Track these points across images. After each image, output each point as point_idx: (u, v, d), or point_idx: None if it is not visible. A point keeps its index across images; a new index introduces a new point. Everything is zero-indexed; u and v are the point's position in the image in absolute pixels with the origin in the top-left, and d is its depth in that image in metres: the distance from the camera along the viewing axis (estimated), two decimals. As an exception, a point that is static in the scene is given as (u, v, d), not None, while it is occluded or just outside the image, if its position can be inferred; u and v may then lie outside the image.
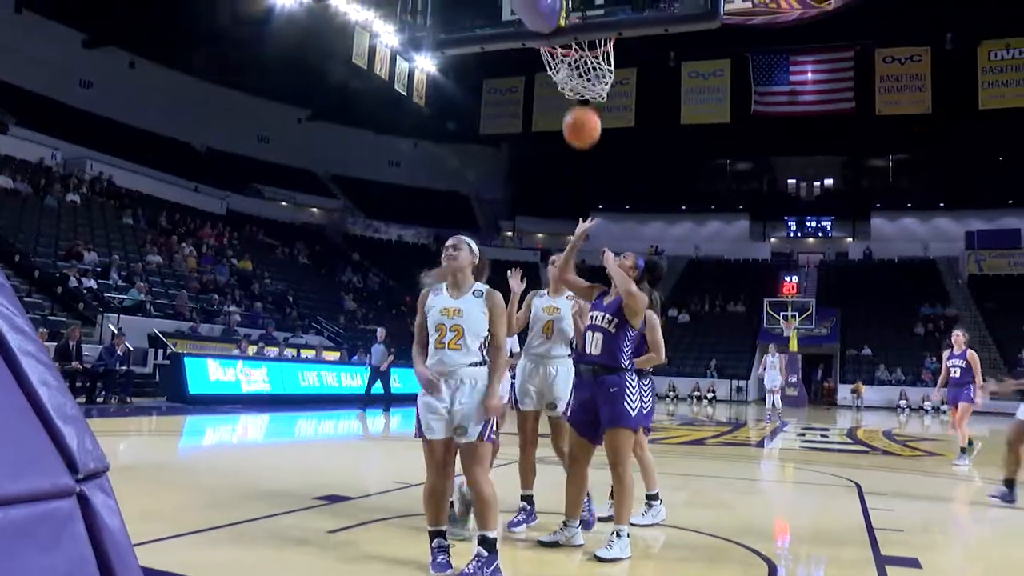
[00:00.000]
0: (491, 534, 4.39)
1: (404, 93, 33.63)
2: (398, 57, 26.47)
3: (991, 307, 40.54)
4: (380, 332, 19.30)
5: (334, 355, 25.90)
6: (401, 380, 20.25)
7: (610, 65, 6.51)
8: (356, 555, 4.97)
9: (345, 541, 5.34)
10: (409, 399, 7.61)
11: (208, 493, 7.20)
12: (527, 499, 5.95)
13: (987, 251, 45.52)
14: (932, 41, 37.13)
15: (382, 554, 4.98)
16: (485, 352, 4.54)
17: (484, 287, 4.69)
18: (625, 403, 5.11)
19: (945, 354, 11.92)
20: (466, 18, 6.58)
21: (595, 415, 5.19)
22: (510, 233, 54.26)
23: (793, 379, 33.17)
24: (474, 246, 4.79)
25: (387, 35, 25.38)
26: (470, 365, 4.49)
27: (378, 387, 18.55)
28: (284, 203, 45.00)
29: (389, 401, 18.57)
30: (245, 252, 34.05)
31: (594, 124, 6.25)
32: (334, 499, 6.86)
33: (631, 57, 30.74)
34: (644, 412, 5.42)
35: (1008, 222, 46.92)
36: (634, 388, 5.17)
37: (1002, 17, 35.12)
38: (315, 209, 47.23)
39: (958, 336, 11.88)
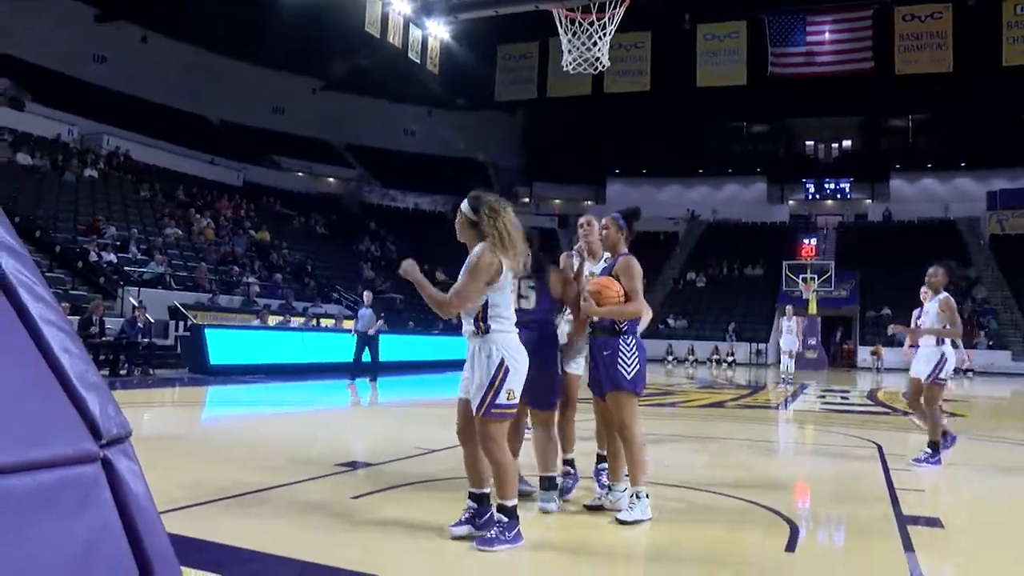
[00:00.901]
0: (509, 502, 4.39)
1: (418, 61, 33.41)
2: (411, 24, 26.26)
3: (1014, 267, 40.20)
4: (367, 296, 18.74)
5: (351, 324, 25.98)
6: (390, 348, 20.01)
7: (613, 29, 6.40)
8: (379, 519, 5.02)
9: (367, 506, 5.38)
10: (398, 367, 7.67)
11: (230, 462, 7.27)
12: (568, 463, 5.93)
13: (1010, 211, 44.98)
14: (954, -3, 36.61)
15: (404, 518, 5.03)
16: (485, 321, 4.44)
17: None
18: (619, 367, 5.11)
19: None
20: (479, -18, 6.56)
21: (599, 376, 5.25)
22: (527, 200, 54.13)
23: (813, 342, 33.09)
24: (464, 206, 4.66)
25: (400, 2, 25.16)
26: (473, 334, 4.49)
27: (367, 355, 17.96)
28: (300, 173, 45.07)
29: (376, 370, 18.15)
30: (263, 223, 34.16)
31: None
32: (355, 465, 6.93)
33: (645, 20, 30.44)
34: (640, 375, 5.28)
35: (1031, 181, 46.44)
36: (629, 351, 5.15)
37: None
38: (331, 179, 47.30)
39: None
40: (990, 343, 34.59)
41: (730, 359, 35.94)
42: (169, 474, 6.09)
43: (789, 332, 20.47)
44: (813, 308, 35.09)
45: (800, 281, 36.34)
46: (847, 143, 53.91)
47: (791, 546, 4.71)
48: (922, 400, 8.11)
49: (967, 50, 36.94)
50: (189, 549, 4.03)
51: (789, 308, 21.77)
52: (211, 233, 29.55)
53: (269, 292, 26.53)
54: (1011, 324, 37.24)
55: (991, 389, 23.34)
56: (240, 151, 41.07)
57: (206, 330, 18.36)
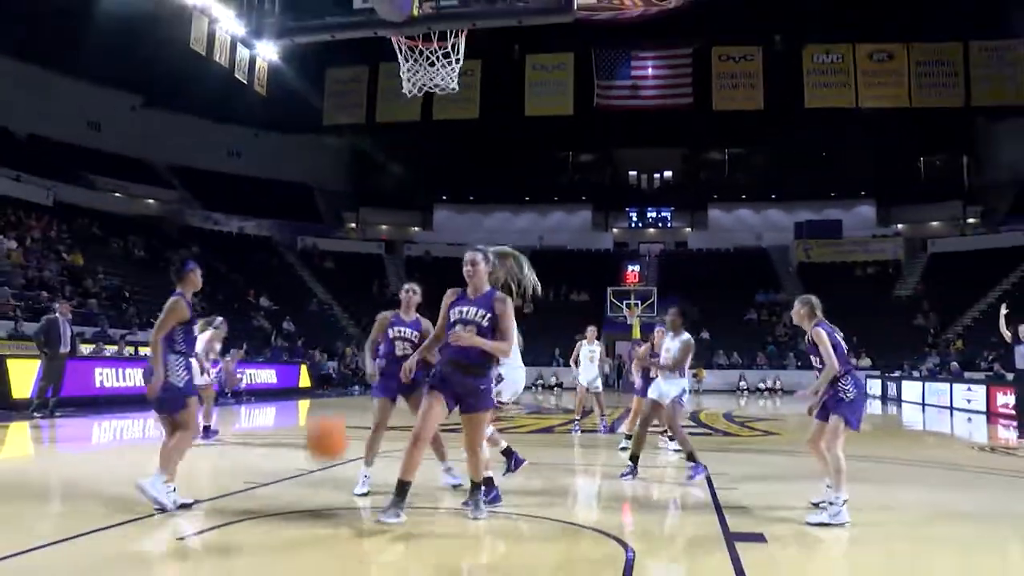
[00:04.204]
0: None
1: (245, 81, 32.56)
2: (239, 44, 25.58)
3: (818, 292, 42.77)
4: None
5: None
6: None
7: (459, 56, 6.48)
8: (209, 562, 4.77)
9: (196, 547, 5.11)
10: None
11: (38, 506, 6.78)
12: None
13: (814, 240, 48.23)
14: (763, 41, 39.05)
15: (237, 557, 4.80)
16: None
17: None
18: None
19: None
20: (314, 5, 6.43)
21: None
22: (353, 225, 53.58)
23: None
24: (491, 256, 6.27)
25: (227, 20, 24.45)
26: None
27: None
28: (117, 194, 42.78)
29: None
30: (76, 246, 32.27)
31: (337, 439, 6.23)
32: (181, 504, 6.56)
33: (476, 48, 30.81)
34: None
35: (832, 213, 50.03)
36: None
37: (824, 23, 37.29)
38: (151, 200, 45.17)
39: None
40: (799, 363, 36.58)
41: (556, 384, 36.53)
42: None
43: (592, 361, 14.36)
44: (636, 333, 36.18)
45: (624, 307, 37.42)
46: (668, 174, 56.18)
47: (628, 570, 4.78)
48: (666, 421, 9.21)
49: (776, 92, 39.44)
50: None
51: (591, 330, 14.73)
52: (17, 256, 27.66)
53: (83, 319, 25.02)
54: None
55: (799, 407, 24.77)
56: (50, 168, 38.51)
57: (9, 361, 17.10)
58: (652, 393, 8.98)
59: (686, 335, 8.97)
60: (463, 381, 5.80)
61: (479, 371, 5.83)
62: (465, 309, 5.88)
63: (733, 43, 39.57)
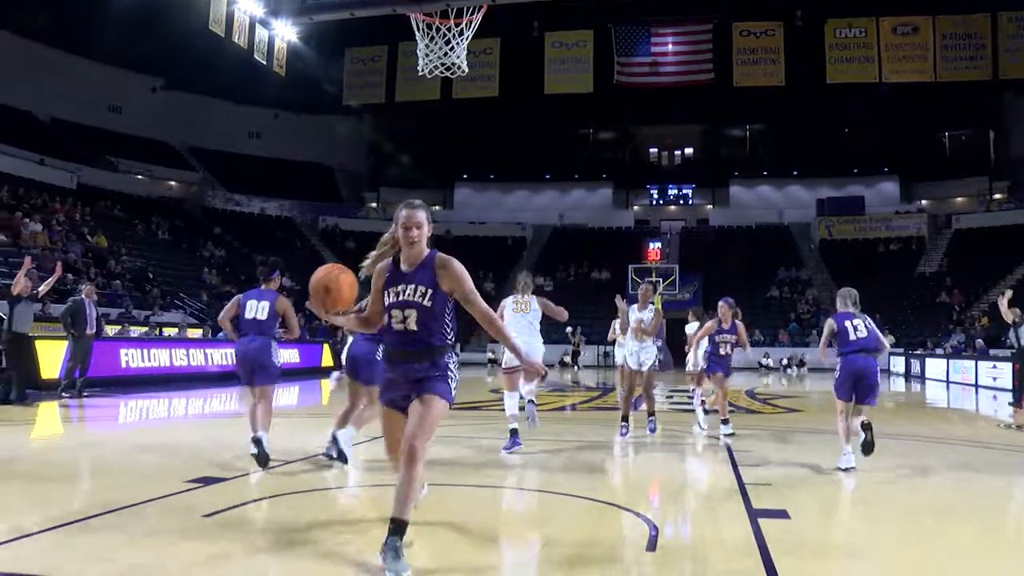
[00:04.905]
0: None
1: (264, 62, 32.53)
2: (258, 25, 25.60)
3: (840, 269, 42.63)
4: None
5: (197, 332, 25.11)
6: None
7: (470, 34, 6.40)
8: (235, 538, 4.83)
9: (221, 524, 5.18)
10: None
11: (67, 484, 6.88)
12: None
13: (836, 217, 47.83)
14: (784, 16, 38.61)
15: (261, 534, 4.86)
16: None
17: None
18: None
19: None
20: (333, -17, 6.42)
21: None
22: (374, 204, 53.63)
23: (658, 343, 33.94)
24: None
25: (246, 1, 24.47)
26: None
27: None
28: (140, 176, 43.05)
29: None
30: (100, 228, 32.51)
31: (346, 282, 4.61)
32: (207, 481, 6.65)
33: (495, 27, 30.71)
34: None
35: (854, 189, 49.56)
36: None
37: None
38: (173, 182, 45.39)
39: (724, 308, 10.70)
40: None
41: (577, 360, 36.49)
42: None
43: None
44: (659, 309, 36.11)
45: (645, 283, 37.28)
46: (689, 151, 55.85)
47: (651, 546, 4.81)
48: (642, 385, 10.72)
49: (797, 67, 39.08)
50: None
51: (644, 288, 12.61)
52: (43, 238, 27.90)
53: (108, 301, 25.25)
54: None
55: (822, 384, 24.57)
56: (73, 151, 38.86)
57: (36, 341, 17.30)
58: (631, 361, 10.47)
59: (654, 306, 10.52)
60: (407, 371, 4.33)
61: (422, 357, 4.31)
62: (401, 288, 4.33)
63: (754, 18, 39.15)
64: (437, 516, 5.29)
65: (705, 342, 12.35)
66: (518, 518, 5.22)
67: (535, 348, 8.57)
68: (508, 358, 8.98)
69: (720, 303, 10.73)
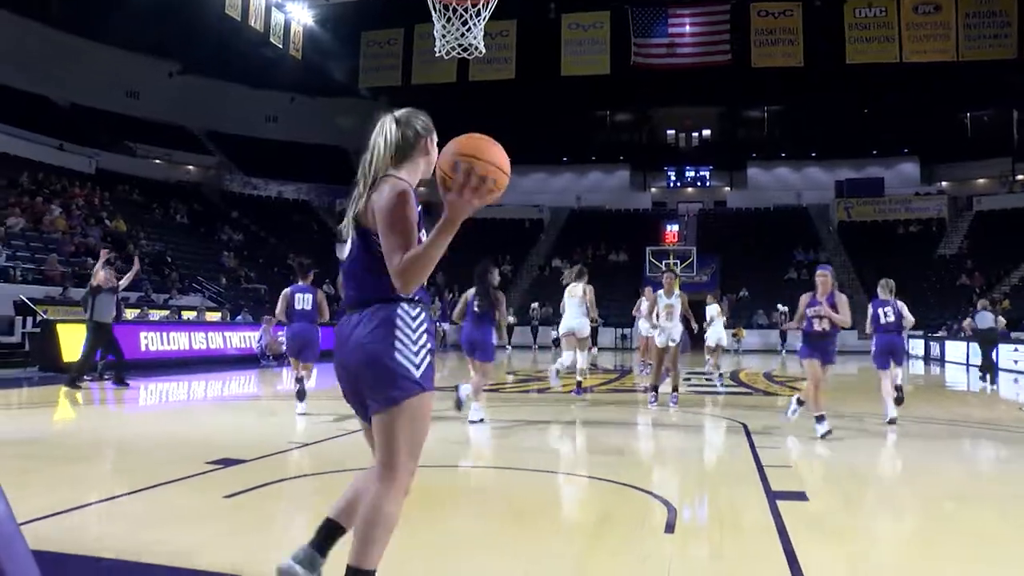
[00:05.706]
0: None
1: (280, 46, 32.57)
2: (273, 8, 25.62)
3: (859, 251, 42.36)
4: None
5: (215, 315, 25.26)
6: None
7: (487, 14, 6.32)
8: (252, 518, 4.86)
9: (240, 505, 5.21)
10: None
11: (92, 466, 6.93)
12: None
13: (855, 198, 47.47)
14: (803, -4, 38.32)
15: (278, 516, 4.89)
16: None
17: None
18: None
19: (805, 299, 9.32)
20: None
21: None
22: (390, 187, 53.60)
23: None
24: None
25: (261, -16, 24.50)
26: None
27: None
28: (158, 160, 43.24)
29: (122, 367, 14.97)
30: (118, 212, 32.69)
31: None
32: (227, 463, 6.69)
33: (511, 9, 30.64)
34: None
35: (873, 171, 49.15)
36: None
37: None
38: (191, 167, 45.56)
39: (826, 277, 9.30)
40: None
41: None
42: (24, 482, 5.75)
43: (669, 317, 13.44)
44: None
45: (663, 267, 37.25)
46: (706, 132, 55.53)
47: (670, 528, 4.80)
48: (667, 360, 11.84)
49: (816, 48, 38.74)
50: (51, 564, 3.79)
51: (667, 278, 13.39)
52: (63, 223, 28.07)
53: (127, 284, 25.37)
54: (857, 305, 39.18)
55: (840, 367, 24.49)
56: (92, 136, 39.04)
57: (59, 325, 17.45)
58: (659, 339, 11.73)
59: (678, 291, 11.98)
60: (358, 370, 3.08)
61: (378, 347, 3.05)
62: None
63: (772, -2, 38.89)
64: (454, 498, 5.29)
65: (720, 320, 14.89)
66: (535, 499, 5.22)
67: (583, 324, 11.94)
68: (561, 326, 12.32)
69: (818, 270, 9.45)
